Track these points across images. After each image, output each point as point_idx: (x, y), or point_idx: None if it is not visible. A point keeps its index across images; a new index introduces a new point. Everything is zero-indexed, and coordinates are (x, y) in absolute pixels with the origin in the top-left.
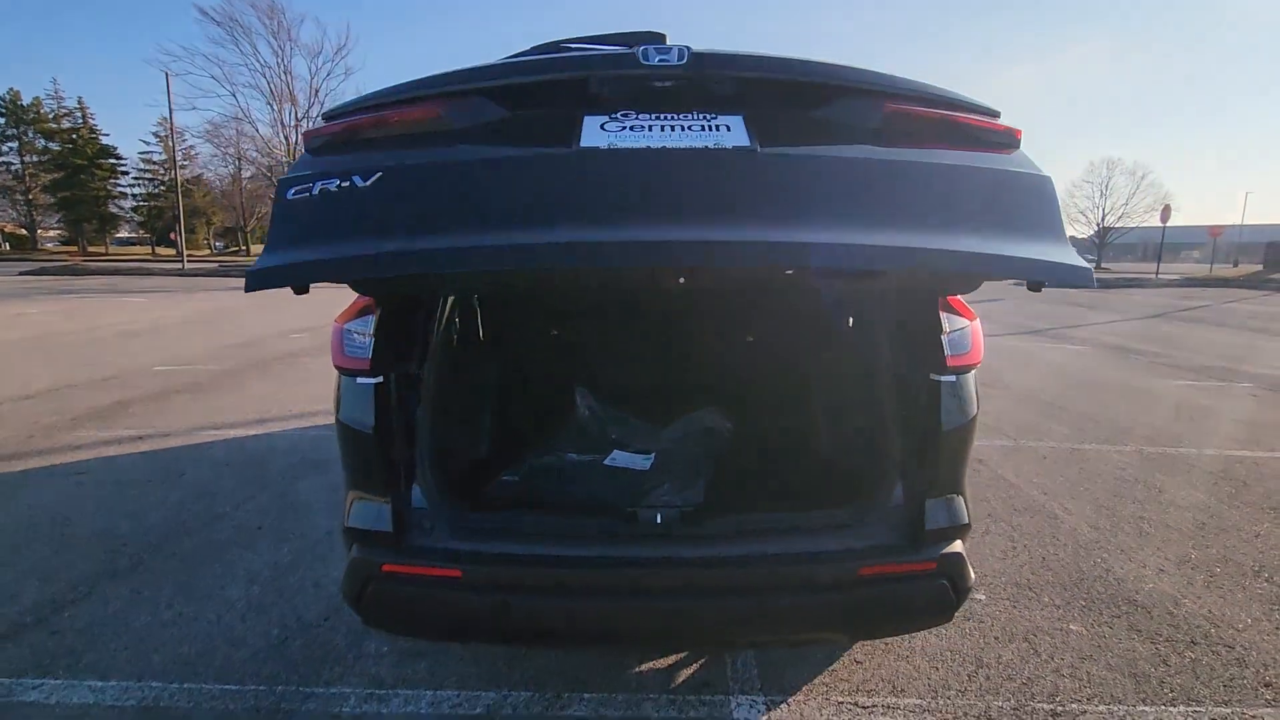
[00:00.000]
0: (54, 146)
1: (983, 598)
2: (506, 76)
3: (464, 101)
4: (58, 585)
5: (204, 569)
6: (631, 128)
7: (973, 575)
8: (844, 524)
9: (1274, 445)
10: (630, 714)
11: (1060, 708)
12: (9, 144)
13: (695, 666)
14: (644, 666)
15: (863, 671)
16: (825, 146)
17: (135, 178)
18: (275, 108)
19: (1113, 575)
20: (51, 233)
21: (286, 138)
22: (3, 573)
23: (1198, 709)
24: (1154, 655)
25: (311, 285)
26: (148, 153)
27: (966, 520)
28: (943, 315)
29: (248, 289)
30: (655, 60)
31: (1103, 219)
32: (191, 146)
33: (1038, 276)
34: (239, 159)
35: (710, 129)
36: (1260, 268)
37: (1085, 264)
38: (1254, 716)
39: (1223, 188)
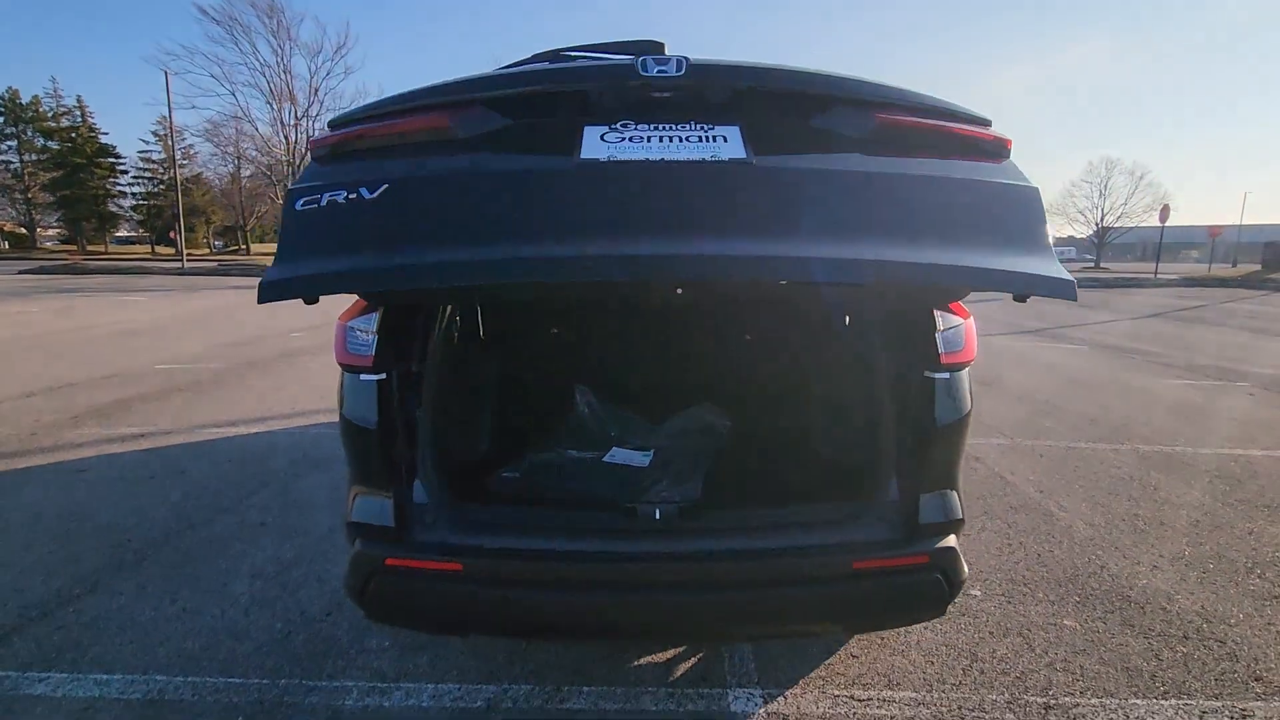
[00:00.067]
0: (53, 145)
1: (978, 593)
2: (510, 87)
3: (468, 112)
4: (62, 580)
5: (208, 564)
6: (631, 139)
7: (966, 569)
8: (839, 519)
9: (1269, 444)
10: (629, 707)
11: (1053, 700)
12: (8, 143)
13: (693, 660)
14: (643, 660)
15: (858, 665)
16: (819, 157)
17: (134, 177)
18: (275, 107)
19: (1107, 572)
20: (51, 231)
21: (286, 137)
22: (7, 568)
23: (1189, 702)
24: (1147, 650)
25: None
26: (147, 151)
27: (960, 515)
28: (937, 314)
29: (260, 300)
30: (654, 71)
31: (1102, 219)
32: (191, 145)
33: (1022, 290)
34: (238, 158)
35: (707, 140)
36: (1259, 268)
37: (1068, 277)
38: (1244, 710)
39: (1222, 188)
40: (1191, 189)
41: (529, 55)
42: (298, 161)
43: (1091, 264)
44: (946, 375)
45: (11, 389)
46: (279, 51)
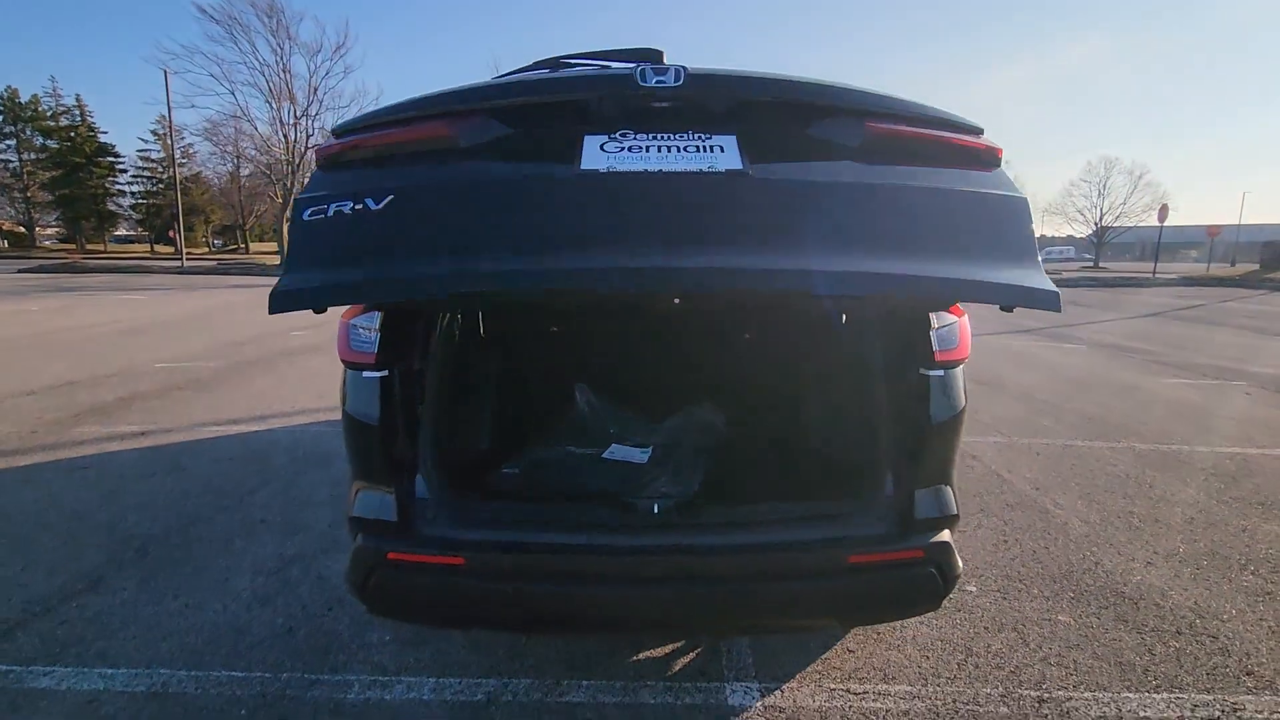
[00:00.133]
0: (52, 144)
1: (974, 589)
2: (512, 96)
3: (470, 121)
4: (65, 576)
5: (210, 560)
6: (630, 148)
7: (960, 564)
8: (835, 514)
9: (1265, 442)
10: (628, 700)
11: (1047, 694)
12: (7, 141)
13: (691, 655)
14: (641, 655)
15: (855, 660)
16: (813, 167)
17: (134, 175)
18: (274, 106)
19: (1102, 568)
20: (50, 230)
21: (285, 136)
22: (11, 564)
23: (1181, 696)
24: (1140, 645)
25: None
26: (146, 150)
27: (955, 511)
28: (931, 312)
29: (272, 311)
30: (653, 81)
31: (1100, 218)
32: (190, 144)
33: (1010, 302)
34: (238, 157)
35: (705, 150)
36: (1257, 267)
37: (1054, 289)
38: (1236, 703)
39: (1221, 188)
40: (1191, 189)
41: (530, 63)
42: (297, 161)
43: (1090, 263)
44: (941, 373)
45: (12, 387)
46: (278, 51)
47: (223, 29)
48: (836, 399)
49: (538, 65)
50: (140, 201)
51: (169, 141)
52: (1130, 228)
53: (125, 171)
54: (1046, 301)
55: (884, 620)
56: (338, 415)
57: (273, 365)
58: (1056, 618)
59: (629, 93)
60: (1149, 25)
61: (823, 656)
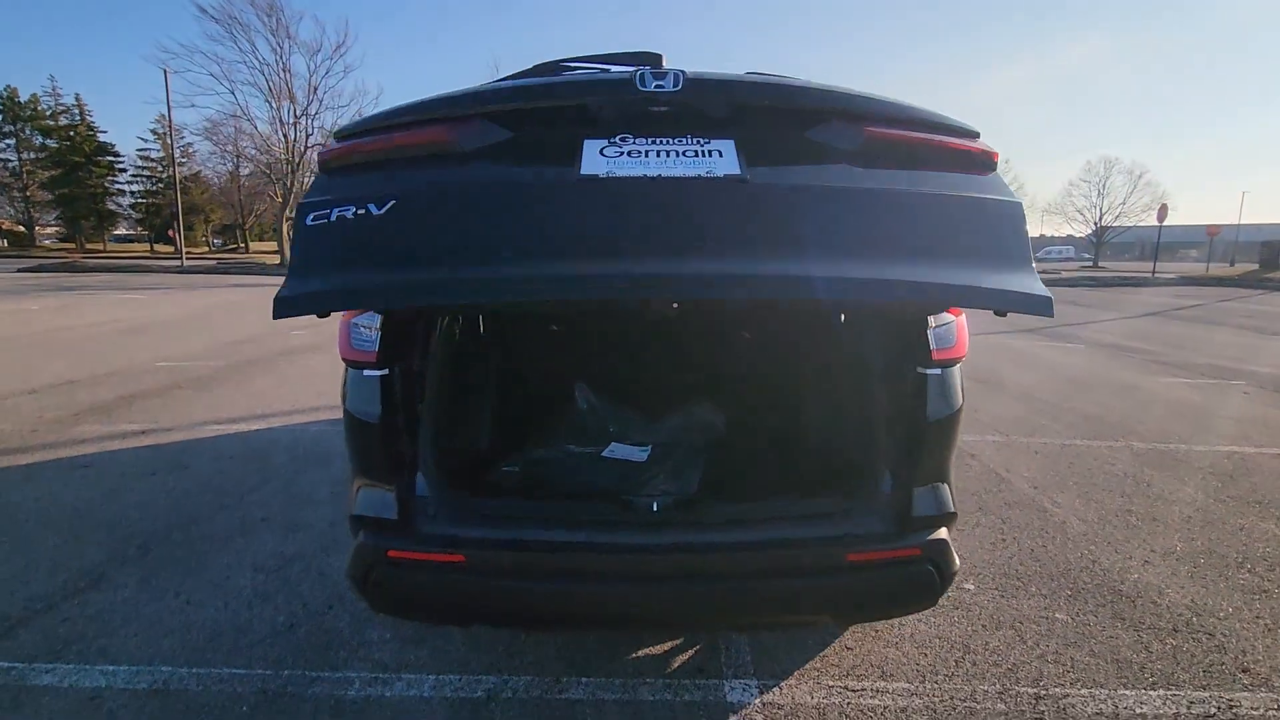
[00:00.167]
0: (51, 143)
1: (972, 587)
2: (513, 101)
3: (471, 126)
4: (67, 573)
5: (211, 558)
6: (630, 153)
7: (957, 561)
8: (833, 512)
9: (1262, 441)
10: (627, 697)
11: (1044, 691)
12: (6, 141)
13: (690, 652)
14: (640, 652)
15: (853, 657)
16: (810, 172)
17: (133, 175)
18: (274, 105)
19: (1099, 566)
20: (49, 230)
21: (285, 135)
22: (12, 561)
23: (1177, 693)
24: (1136, 642)
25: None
26: (146, 150)
27: (952, 508)
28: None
29: (276, 316)
30: (652, 86)
31: (1100, 218)
32: (190, 144)
33: (1003, 307)
34: (237, 156)
35: (703, 154)
36: (1256, 267)
37: (1047, 294)
38: (1231, 700)
39: (1221, 188)
40: (1191, 189)
41: (529, 67)
42: (296, 160)
43: (1090, 263)
44: (938, 371)
45: (13, 386)
46: (278, 50)
47: (222, 28)
48: (835, 397)
49: (537, 69)
50: (140, 201)
51: (169, 141)
52: (1129, 227)
53: (125, 171)
54: (1039, 307)
55: (882, 617)
56: (338, 414)
57: (273, 364)
58: (1054, 615)
59: (628, 97)
60: (1149, 25)
61: (821, 654)
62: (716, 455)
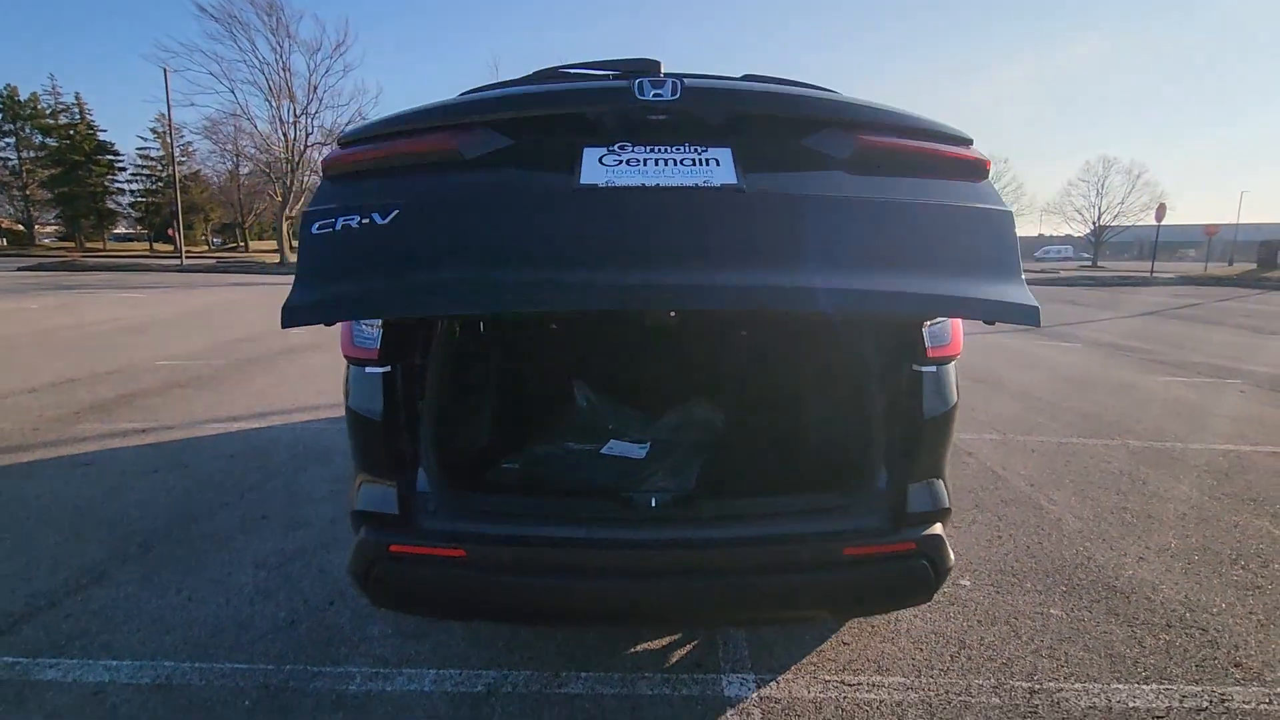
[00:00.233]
0: (51, 142)
1: (968, 583)
2: (514, 108)
3: (473, 133)
4: (69, 571)
5: (212, 555)
6: (628, 161)
7: (952, 556)
8: (830, 507)
9: (1258, 439)
10: (625, 692)
11: (1038, 685)
12: (6, 139)
13: (688, 647)
14: (639, 647)
15: (849, 652)
16: (806, 182)
17: (133, 174)
18: (274, 104)
19: (1094, 563)
20: (49, 228)
21: (285, 134)
22: (15, 558)
23: (1170, 687)
24: (1130, 637)
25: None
26: (145, 149)
27: (947, 504)
28: None
29: (285, 325)
30: (650, 95)
31: (1099, 217)
32: (189, 143)
33: (992, 317)
34: (237, 155)
35: (700, 163)
36: (1254, 266)
37: (1034, 304)
38: (1223, 694)
39: (1219, 188)
40: (1190, 189)
41: (528, 72)
42: (296, 159)
43: (1088, 262)
44: (933, 369)
45: (13, 384)
46: (278, 49)
47: (222, 27)
48: (831, 395)
49: (536, 75)
50: (139, 200)
51: (168, 139)
52: (1128, 227)
53: (124, 170)
54: (1027, 317)
55: (878, 612)
56: (337, 412)
57: (273, 363)
58: (1049, 611)
59: (627, 106)
60: (1149, 25)
61: (818, 649)
62: (714, 452)
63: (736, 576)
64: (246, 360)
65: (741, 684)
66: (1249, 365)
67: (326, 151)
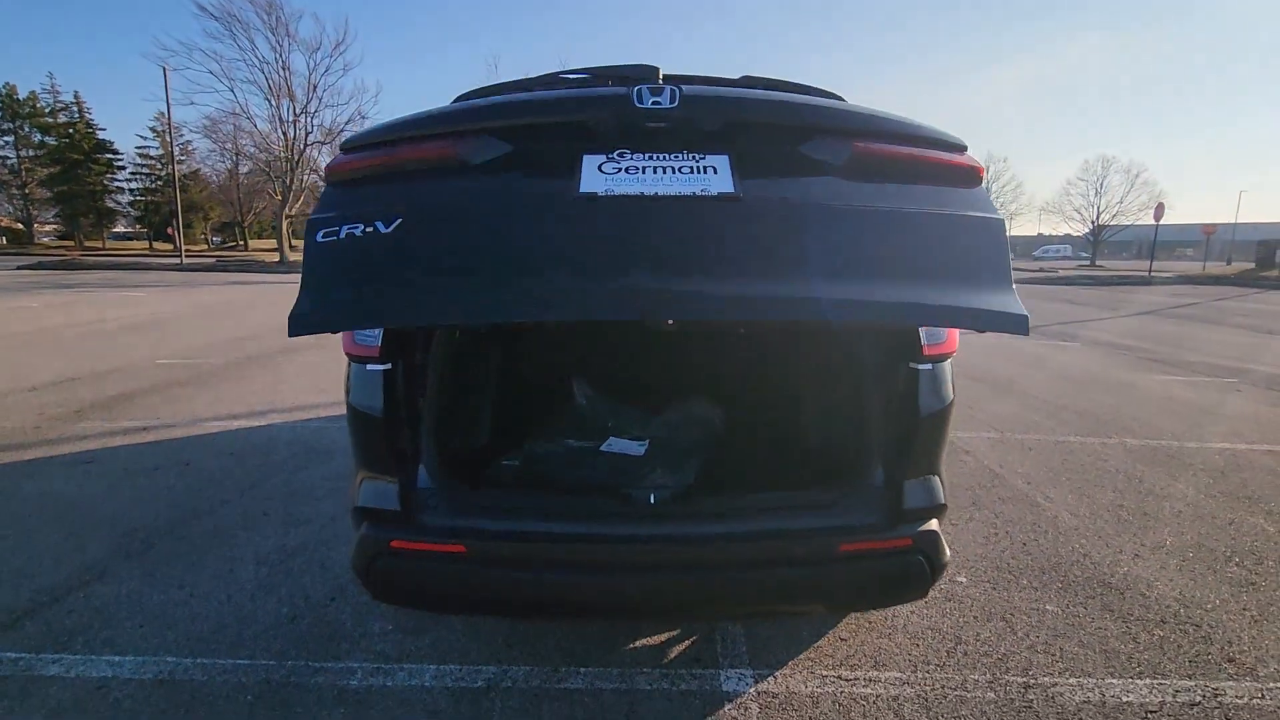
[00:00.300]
0: (50, 141)
1: (964, 580)
2: (515, 116)
3: (474, 140)
4: (71, 567)
5: (214, 552)
6: (627, 169)
7: (948, 552)
8: (827, 504)
9: (1254, 438)
10: (624, 687)
11: (1032, 680)
12: (5, 138)
13: (687, 643)
14: (638, 643)
15: (846, 648)
16: (802, 188)
17: (132, 172)
18: (273, 103)
19: (1090, 560)
20: (48, 227)
21: (284, 133)
22: (17, 555)
23: (1163, 682)
24: (1124, 633)
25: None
26: (145, 147)
27: (943, 500)
28: None
29: (291, 334)
30: (649, 103)
31: (1097, 217)
32: (189, 141)
33: (982, 327)
34: (236, 154)
35: (698, 171)
36: (1252, 266)
37: (1024, 313)
38: (1216, 689)
39: (1218, 187)
40: (1190, 188)
41: (525, 77)
42: (296, 157)
43: (1087, 262)
44: (929, 366)
45: (14, 383)
46: (277, 48)
47: (221, 26)
48: (828, 392)
49: (536, 80)
50: (139, 198)
51: (168, 138)
52: (1127, 226)
53: (124, 168)
54: (1016, 325)
55: (874, 607)
56: (337, 410)
57: (273, 361)
58: (1044, 607)
59: (626, 113)
60: (1148, 25)
61: (815, 644)
62: (713, 449)
63: (734, 571)
64: (247, 358)
65: (739, 679)
66: (1246, 364)
67: (326, 150)
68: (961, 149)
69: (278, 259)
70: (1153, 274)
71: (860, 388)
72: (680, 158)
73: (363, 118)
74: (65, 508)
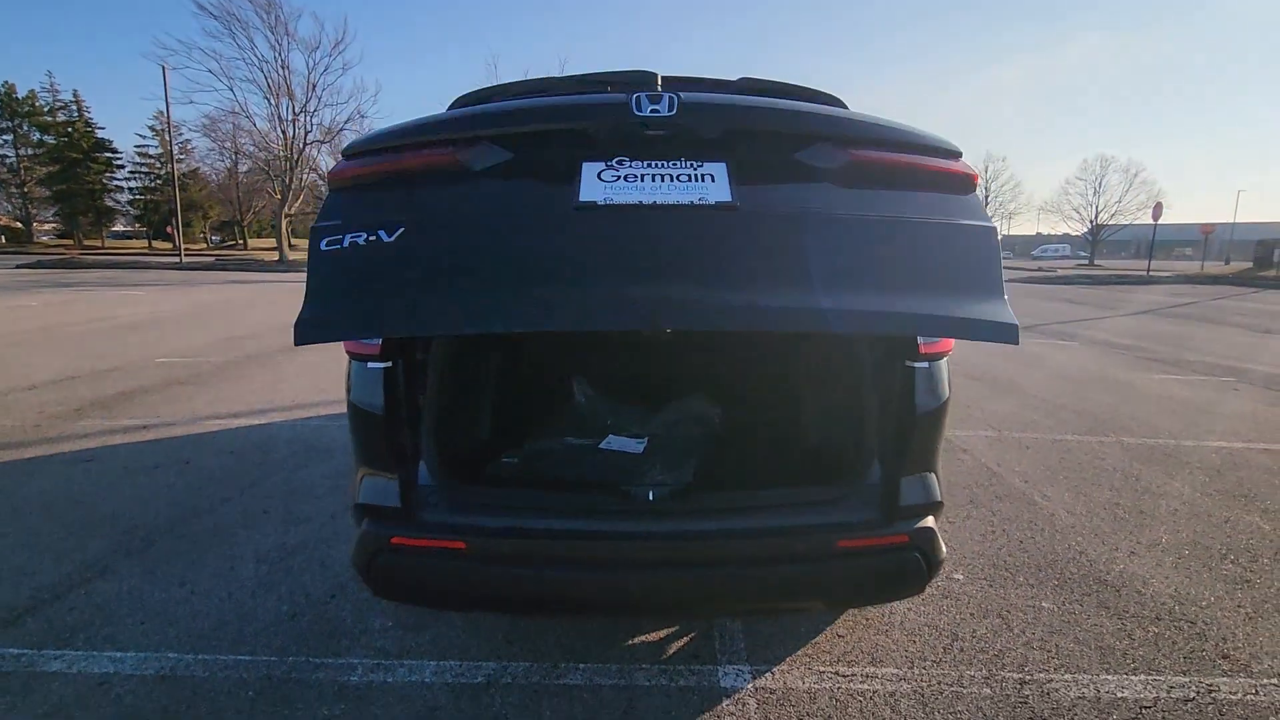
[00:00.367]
0: (49, 140)
1: (961, 577)
2: (514, 123)
3: (475, 148)
4: (72, 565)
5: (214, 549)
6: (626, 177)
7: (944, 549)
8: (824, 501)
9: (1250, 436)
10: (623, 682)
11: (1028, 676)
12: (4, 137)
13: (685, 639)
14: (637, 639)
15: (844, 644)
16: (797, 192)
17: (131, 171)
18: (272, 102)
19: (1086, 557)
20: (47, 226)
21: (284, 132)
22: (19, 553)
23: (1158, 678)
24: (1120, 630)
25: None
26: (144, 146)
27: (939, 498)
28: None
29: (297, 343)
30: (647, 110)
31: (1096, 216)
32: (188, 140)
33: (972, 337)
34: (236, 153)
35: (696, 179)
36: (1250, 265)
37: (1014, 322)
38: (1210, 685)
39: (1218, 187)
40: (1189, 188)
41: (524, 80)
42: (295, 156)
43: (1085, 261)
44: (926, 365)
45: (14, 381)
46: (277, 47)
47: (221, 25)
48: (826, 390)
49: (534, 83)
50: (138, 197)
51: (167, 137)
52: (1125, 225)
53: (123, 167)
54: (1006, 335)
55: (870, 603)
56: (336, 409)
57: (272, 360)
58: (1040, 604)
59: (625, 121)
60: (1148, 25)
61: (813, 641)
62: (711, 447)
63: (732, 568)
64: (246, 357)
65: (737, 675)
66: (1244, 363)
67: (326, 149)
68: (956, 155)
69: (277, 258)
70: (1151, 273)
71: (857, 386)
72: (679, 165)
73: (362, 116)
74: (66, 506)
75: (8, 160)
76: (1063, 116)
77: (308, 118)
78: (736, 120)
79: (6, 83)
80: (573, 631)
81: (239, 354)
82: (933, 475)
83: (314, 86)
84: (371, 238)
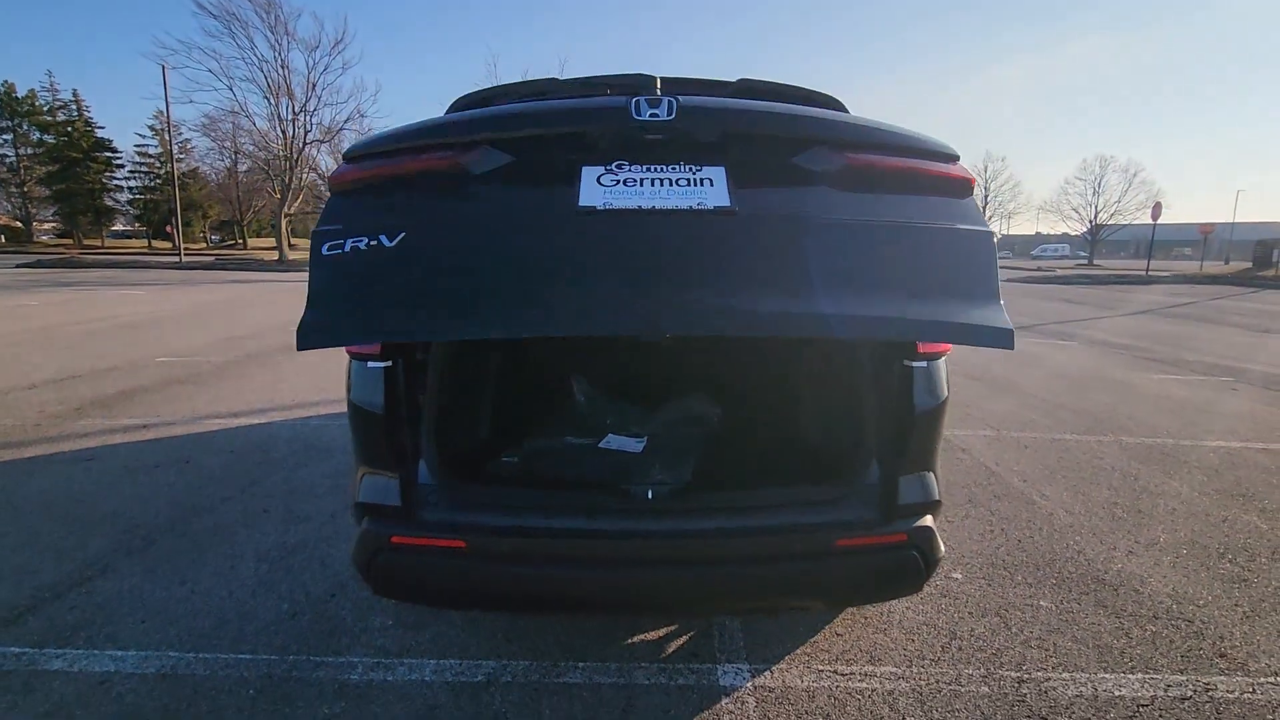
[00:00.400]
0: (49, 139)
1: (959, 576)
2: (515, 127)
3: (475, 151)
4: (73, 564)
5: (215, 548)
6: (625, 181)
7: (942, 548)
8: (823, 500)
9: (1248, 436)
10: (622, 681)
11: (1026, 675)
12: (3, 136)
13: (684, 638)
14: (636, 638)
15: (842, 643)
16: (795, 196)
17: (131, 171)
18: (272, 101)
19: (1084, 556)
20: (47, 225)
21: (283, 131)
22: (20, 552)
23: (1155, 676)
24: (1117, 629)
25: None
26: (144, 146)
27: (937, 496)
28: None
29: (300, 348)
30: (646, 115)
31: (1095, 216)
32: (188, 140)
33: (968, 342)
34: (235, 152)
35: (695, 183)
36: (1250, 265)
37: (1009, 327)
38: (1208, 683)
39: (1217, 187)
40: (1188, 188)
41: (524, 81)
42: (295, 156)
43: (1085, 261)
44: (924, 364)
45: (14, 380)
46: (276, 46)
47: (220, 24)
48: (825, 389)
49: (533, 84)
50: (138, 197)
51: (166, 137)
52: (1125, 225)
53: (123, 167)
54: (1001, 339)
55: (869, 602)
56: (336, 408)
57: (272, 360)
58: (1038, 603)
59: (625, 125)
60: (1148, 25)
61: (811, 639)
62: (710, 446)
63: (731, 567)
64: (246, 356)
65: (736, 673)
66: (1243, 363)
67: (325, 149)
68: (954, 159)
69: (277, 257)
70: (1150, 273)
71: (856, 385)
72: (678, 169)
73: (362, 116)
74: (66, 505)
75: (7, 160)
76: (1062, 116)
77: (307, 117)
78: (735, 124)
79: (6, 82)
80: (572, 630)
81: (239, 353)
82: (931, 474)
83: (314, 86)
84: (373, 242)
